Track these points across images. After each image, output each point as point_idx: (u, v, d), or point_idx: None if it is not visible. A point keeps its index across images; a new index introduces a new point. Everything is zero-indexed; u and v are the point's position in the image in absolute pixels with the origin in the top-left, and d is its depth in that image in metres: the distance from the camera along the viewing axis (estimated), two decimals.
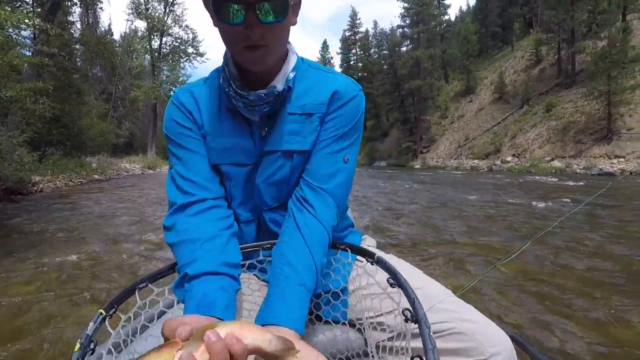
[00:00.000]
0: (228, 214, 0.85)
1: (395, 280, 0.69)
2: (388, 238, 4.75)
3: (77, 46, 22.92)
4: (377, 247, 1.07)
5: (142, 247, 4.55)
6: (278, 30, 0.73)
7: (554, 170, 19.77)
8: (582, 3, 26.78)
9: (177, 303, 0.91)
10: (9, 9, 9.91)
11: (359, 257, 0.86)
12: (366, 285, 0.84)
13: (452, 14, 62.47)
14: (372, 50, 60.67)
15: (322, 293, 0.86)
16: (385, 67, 50.33)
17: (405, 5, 44.34)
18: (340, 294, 0.85)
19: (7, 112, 10.64)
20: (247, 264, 0.88)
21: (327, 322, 0.86)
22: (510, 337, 0.73)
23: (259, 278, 0.97)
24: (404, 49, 48.51)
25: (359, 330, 0.86)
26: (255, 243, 0.89)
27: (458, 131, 37.28)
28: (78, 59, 27.00)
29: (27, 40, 14.17)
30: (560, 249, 3.95)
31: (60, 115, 15.84)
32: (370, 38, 61.84)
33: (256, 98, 0.79)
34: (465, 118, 38.13)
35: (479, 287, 2.83)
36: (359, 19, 62.50)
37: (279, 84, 0.81)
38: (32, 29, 9.68)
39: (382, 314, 0.79)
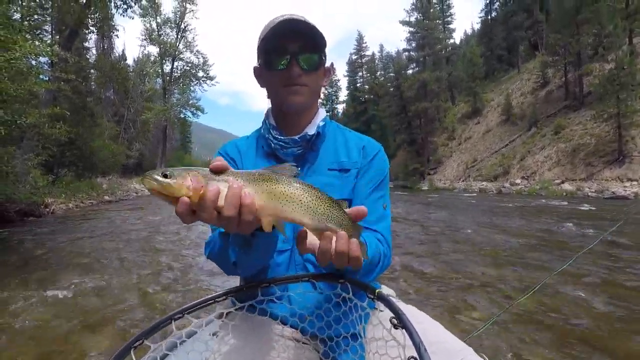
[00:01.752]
0: None
1: (399, 321, 0.64)
2: (395, 271, 4.66)
3: (92, 71, 23.58)
4: (397, 297, 1.03)
5: (152, 269, 4.53)
6: (312, 77, 0.98)
7: (564, 194, 19.50)
8: (587, 27, 27.08)
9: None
10: (30, 37, 10.30)
11: (378, 305, 0.89)
12: (376, 328, 0.83)
13: (457, 37, 63.40)
14: (379, 73, 61.55)
15: (334, 337, 0.86)
16: (391, 89, 50.92)
17: (411, 29, 45.24)
18: (353, 339, 0.84)
19: (23, 136, 10.89)
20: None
21: None
22: None
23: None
24: (410, 71, 49.16)
25: None
26: (286, 275, 0.89)
27: (465, 153, 37.19)
28: (92, 83, 27.77)
29: (45, 67, 14.65)
30: (579, 283, 3.83)
31: (74, 138, 16.16)
32: (376, 61, 62.86)
33: (291, 141, 0.98)
34: (473, 140, 38.10)
35: (494, 325, 2.72)
36: (365, 42, 63.75)
37: (310, 130, 1.00)
38: (52, 57, 9.98)
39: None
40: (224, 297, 0.81)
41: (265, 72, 1.00)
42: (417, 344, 0.59)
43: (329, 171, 1.00)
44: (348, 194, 0.98)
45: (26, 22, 12.05)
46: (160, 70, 36.94)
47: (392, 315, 0.67)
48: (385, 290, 1.05)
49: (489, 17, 52.94)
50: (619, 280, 3.92)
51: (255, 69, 1.06)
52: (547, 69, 33.21)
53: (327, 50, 1.02)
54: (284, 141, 0.98)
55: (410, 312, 0.90)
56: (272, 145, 1.00)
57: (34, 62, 8.87)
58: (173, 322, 0.74)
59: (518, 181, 25.83)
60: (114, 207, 14.33)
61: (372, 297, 0.74)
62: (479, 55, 42.59)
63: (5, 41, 5.21)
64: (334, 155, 1.02)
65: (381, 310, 0.86)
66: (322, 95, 1.12)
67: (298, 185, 0.62)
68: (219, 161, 0.62)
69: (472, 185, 28.81)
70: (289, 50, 0.93)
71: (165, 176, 0.57)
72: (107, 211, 12.48)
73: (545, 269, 4.28)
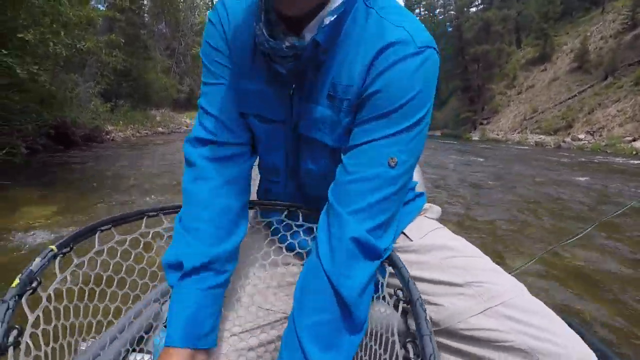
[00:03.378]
0: (248, 170, 0.75)
1: (388, 259, 0.59)
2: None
3: (145, 2, 23.68)
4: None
5: None
6: None
7: (634, 152, 17.72)
8: None
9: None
10: None
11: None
12: None
13: None
14: (438, 10, 56.44)
15: None
16: (450, 29, 46.82)
17: None
18: None
19: (84, 63, 11.46)
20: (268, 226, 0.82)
21: None
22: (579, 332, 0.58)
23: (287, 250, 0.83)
24: (474, 9, 44.58)
25: None
26: (282, 203, 0.79)
27: (525, 103, 34.31)
28: (145, 15, 28.02)
29: None
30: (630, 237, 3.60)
31: (129, 69, 16.79)
32: None
33: (277, 47, 0.59)
34: (536, 89, 34.85)
35: (535, 270, 2.67)
36: None
37: (308, 34, 0.60)
38: None
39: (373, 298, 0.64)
40: None
41: None
42: (406, 280, 0.54)
43: (328, 96, 0.64)
44: (342, 141, 0.65)
45: None
46: (210, 3, 36.34)
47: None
48: (433, 209, 0.89)
49: None
50: None
51: None
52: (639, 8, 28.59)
53: None
54: (272, 48, 0.60)
55: (461, 244, 0.75)
56: (263, 47, 0.62)
57: None
58: (146, 218, 0.72)
59: (581, 136, 23.71)
60: (167, 138, 15.15)
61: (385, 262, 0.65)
62: None
63: None
64: (343, 67, 0.62)
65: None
66: None
67: None
68: None
69: (528, 138, 26.91)
70: None
71: None
72: (162, 141, 13.24)
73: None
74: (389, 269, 0.60)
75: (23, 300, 0.50)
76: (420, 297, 0.50)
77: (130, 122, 15.58)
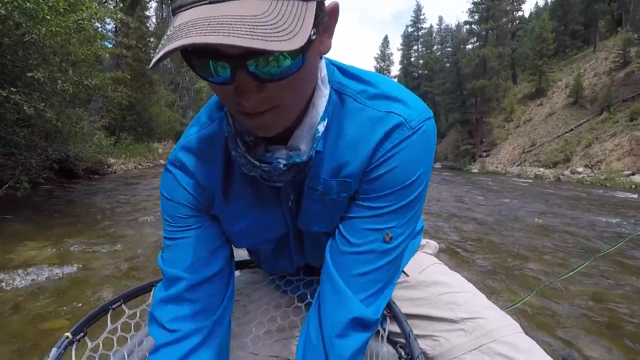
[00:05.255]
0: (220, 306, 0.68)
1: (389, 309, 0.61)
2: (442, 243, 4.56)
3: (152, 39, 24.60)
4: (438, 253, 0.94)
5: None
6: (292, 82, 0.47)
7: (634, 186, 17.74)
8: None
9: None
10: (96, 4, 10.91)
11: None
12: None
13: (526, 9, 58.23)
14: (435, 47, 58.47)
15: None
16: (447, 65, 48.27)
17: (475, 0, 42.05)
18: None
19: (90, 98, 11.75)
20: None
21: None
22: (563, 358, 0.63)
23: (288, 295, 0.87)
24: (470, 46, 46.12)
25: None
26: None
27: (523, 136, 34.79)
28: (151, 51, 29.07)
29: (109, 33, 15.53)
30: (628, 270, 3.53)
31: (134, 103, 17.19)
32: (434, 34, 59.66)
33: (272, 170, 0.57)
34: (533, 122, 35.46)
35: (533, 302, 2.62)
36: (424, 14, 60.62)
37: (302, 144, 0.58)
38: (115, 23, 10.58)
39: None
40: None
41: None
42: (407, 333, 0.55)
43: (317, 190, 0.63)
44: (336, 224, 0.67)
45: None
46: None
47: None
48: (430, 245, 0.92)
49: None
50: None
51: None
52: (630, 48, 29.60)
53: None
54: (268, 171, 0.58)
55: (456, 279, 0.79)
56: (248, 172, 0.60)
57: (99, 26, 9.40)
58: (153, 290, 0.69)
59: (580, 169, 23.84)
60: None
61: None
62: (549, 30, 38.84)
63: (74, 3, 5.59)
64: (340, 157, 0.61)
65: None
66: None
67: None
68: None
69: (527, 171, 27.05)
70: (223, 54, 0.42)
71: None
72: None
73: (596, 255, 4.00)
74: (387, 324, 0.62)
75: None
76: (421, 354, 0.51)
77: (133, 154, 15.78)
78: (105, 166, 12.00)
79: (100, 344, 0.62)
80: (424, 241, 0.91)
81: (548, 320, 2.53)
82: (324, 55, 0.56)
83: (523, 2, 44.84)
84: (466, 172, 31.22)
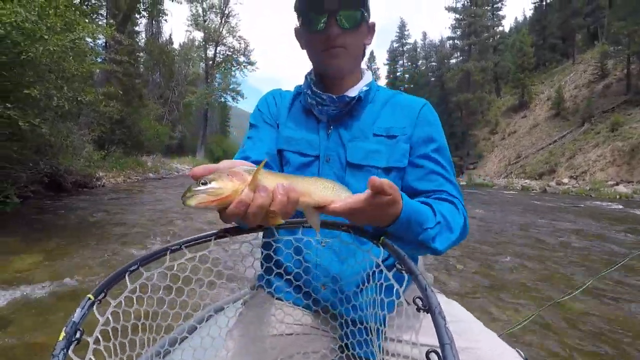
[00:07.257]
0: None
1: (404, 264, 0.60)
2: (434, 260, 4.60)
3: (142, 54, 24.61)
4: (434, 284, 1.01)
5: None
6: (354, 36, 0.89)
7: (618, 196, 18.22)
8: None
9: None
10: (87, 20, 10.90)
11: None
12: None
13: (506, 24, 60.17)
14: (420, 62, 59.71)
15: (358, 323, 0.80)
16: (432, 79, 49.33)
17: (457, 16, 43.34)
18: (375, 331, 0.73)
19: (80, 113, 11.63)
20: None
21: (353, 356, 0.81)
22: None
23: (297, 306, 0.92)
24: (454, 61, 47.30)
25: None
26: (298, 219, 0.77)
27: (509, 148, 35.52)
28: (141, 66, 28.99)
29: (100, 49, 15.48)
30: (624, 290, 3.61)
31: (124, 117, 17.05)
32: (418, 49, 60.94)
33: (328, 98, 0.91)
34: (518, 134, 36.28)
35: (530, 324, 2.63)
36: (408, 30, 61.74)
37: (351, 93, 0.94)
38: (106, 39, 10.56)
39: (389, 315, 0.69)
40: (222, 234, 0.77)
41: (304, 33, 0.94)
42: (424, 286, 0.54)
43: (375, 137, 0.92)
44: (396, 161, 0.91)
45: (84, 6, 12.75)
46: (203, 55, 37.95)
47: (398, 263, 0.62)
48: (427, 274, 0.98)
49: (544, 3, 49.49)
50: None
51: (295, 30, 0.99)
52: (607, 60, 30.78)
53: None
54: (320, 97, 0.91)
55: (453, 308, 0.84)
56: (309, 99, 0.94)
57: (91, 43, 9.38)
58: (169, 253, 0.73)
59: (565, 180, 24.38)
60: (157, 183, 15.07)
61: (376, 242, 0.67)
62: (529, 44, 40.16)
63: (71, 22, 5.58)
64: (380, 120, 0.94)
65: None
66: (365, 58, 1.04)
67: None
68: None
69: (514, 183, 27.54)
70: (326, 8, 0.84)
71: (205, 183, 0.54)
72: (151, 187, 13.15)
73: (590, 273, 4.08)
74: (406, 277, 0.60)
75: (70, 352, 0.52)
76: (439, 305, 0.51)
77: (122, 168, 15.58)
78: (94, 179, 11.82)
79: (122, 302, 0.67)
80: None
81: (545, 341, 2.56)
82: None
83: (503, 18, 46.45)
84: None
